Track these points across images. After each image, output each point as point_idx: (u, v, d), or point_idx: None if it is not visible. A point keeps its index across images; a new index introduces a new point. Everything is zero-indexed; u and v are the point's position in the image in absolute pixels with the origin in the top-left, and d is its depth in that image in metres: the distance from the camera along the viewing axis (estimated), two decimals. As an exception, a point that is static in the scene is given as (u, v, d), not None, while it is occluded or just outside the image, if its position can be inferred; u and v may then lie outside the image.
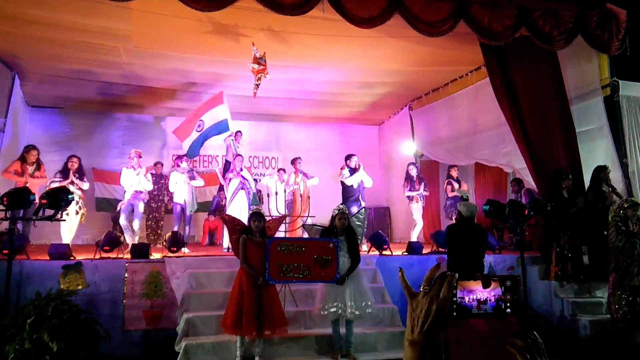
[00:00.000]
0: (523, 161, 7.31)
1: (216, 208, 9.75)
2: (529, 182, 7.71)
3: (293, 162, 8.99)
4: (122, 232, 7.65)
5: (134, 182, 7.68)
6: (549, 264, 6.70)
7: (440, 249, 7.60)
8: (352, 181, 8.40)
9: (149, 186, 8.05)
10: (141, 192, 7.82)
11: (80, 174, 7.41)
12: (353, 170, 8.53)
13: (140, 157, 7.91)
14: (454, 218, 8.88)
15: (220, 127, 8.44)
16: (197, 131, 8.47)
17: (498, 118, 7.68)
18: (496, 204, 6.27)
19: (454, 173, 9.18)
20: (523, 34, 6.69)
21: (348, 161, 8.58)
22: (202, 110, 8.66)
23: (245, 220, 5.58)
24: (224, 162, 9.68)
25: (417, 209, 8.83)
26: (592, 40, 6.89)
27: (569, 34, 6.79)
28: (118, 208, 7.76)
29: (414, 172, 8.91)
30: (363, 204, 8.28)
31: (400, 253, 7.42)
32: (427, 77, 9.30)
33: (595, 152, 7.40)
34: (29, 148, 7.45)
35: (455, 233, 5.68)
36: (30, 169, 7.19)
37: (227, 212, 7.24)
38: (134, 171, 7.74)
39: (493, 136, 8.38)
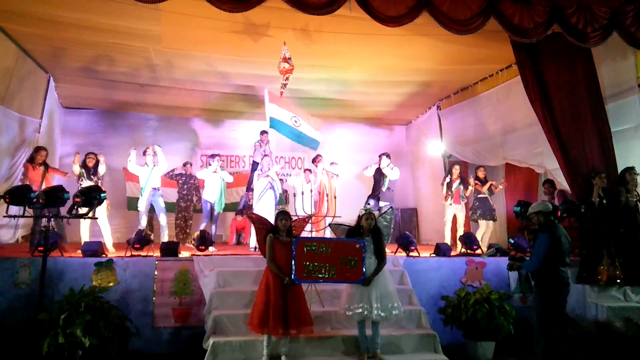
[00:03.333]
0: (556, 162, 7.12)
1: (244, 207, 9.84)
2: (561, 183, 7.52)
3: (314, 160, 8.98)
4: (151, 231, 7.77)
5: (138, 173, 7.85)
6: (592, 268, 6.47)
7: (469, 251, 7.50)
8: (366, 173, 8.85)
9: (162, 169, 8.05)
10: (157, 188, 7.91)
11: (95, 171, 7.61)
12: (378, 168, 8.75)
13: (154, 154, 7.97)
14: (479, 221, 8.74)
15: (310, 142, 8.61)
16: (294, 124, 8.38)
17: (529, 117, 7.50)
18: (527, 205, 6.09)
19: (481, 174, 9.00)
20: (555, 31, 6.53)
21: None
22: (294, 109, 8.53)
23: (271, 220, 5.60)
24: (252, 162, 9.76)
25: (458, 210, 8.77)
26: (628, 37, 6.66)
27: (604, 31, 6.58)
28: (140, 208, 7.86)
29: (455, 171, 8.85)
30: (383, 204, 8.29)
31: (428, 255, 7.34)
32: (456, 75, 9.16)
33: (632, 153, 7.15)
34: (38, 149, 7.71)
35: (556, 236, 4.94)
36: (40, 169, 7.44)
37: (254, 212, 7.29)
38: (147, 168, 7.86)
39: (524, 136, 8.18)
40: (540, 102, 6.96)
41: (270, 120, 7.97)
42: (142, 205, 7.77)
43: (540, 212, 5.13)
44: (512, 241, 7.07)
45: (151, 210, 8.11)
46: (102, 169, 7.62)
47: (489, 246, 7.63)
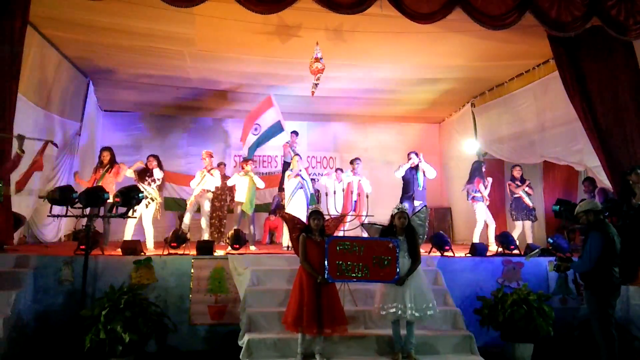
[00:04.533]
0: (596, 159, 6.90)
1: (277, 207, 9.93)
2: (602, 180, 7.27)
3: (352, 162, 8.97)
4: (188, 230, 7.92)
5: (198, 180, 7.96)
6: (632, 268, 6.24)
7: (506, 252, 7.35)
8: (398, 174, 8.53)
9: (216, 182, 8.20)
10: (208, 190, 8.07)
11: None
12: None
13: (211, 157, 8.24)
14: (515, 222, 8.54)
15: (274, 130, 9.06)
16: (253, 134, 9.16)
17: (568, 114, 7.29)
18: (567, 203, 5.95)
19: (517, 173, 8.81)
20: (595, 24, 6.33)
21: None
22: (255, 114, 9.30)
23: (304, 219, 5.63)
24: (283, 163, 9.85)
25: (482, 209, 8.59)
26: (672, 28, 6.39)
27: (646, 23, 6.34)
28: (188, 206, 8.06)
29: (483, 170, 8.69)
30: (417, 203, 8.18)
31: (463, 255, 7.22)
32: (491, 72, 8.98)
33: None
34: (101, 150, 7.96)
35: (609, 235, 4.76)
36: (102, 170, 7.65)
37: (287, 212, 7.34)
38: (203, 171, 8.05)
39: (563, 133, 7.95)
40: (580, 98, 6.77)
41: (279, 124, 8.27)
42: (189, 204, 7.94)
43: (590, 211, 4.92)
44: (551, 241, 6.89)
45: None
46: (157, 173, 7.71)
47: (528, 247, 7.42)
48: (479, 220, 8.56)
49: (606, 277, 4.74)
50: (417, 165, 8.47)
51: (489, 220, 8.56)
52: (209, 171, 8.04)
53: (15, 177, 6.28)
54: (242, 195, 8.14)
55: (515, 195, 8.69)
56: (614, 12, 6.28)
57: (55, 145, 7.03)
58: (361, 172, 8.67)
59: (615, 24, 6.29)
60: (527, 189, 8.68)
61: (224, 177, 10.03)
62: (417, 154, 8.55)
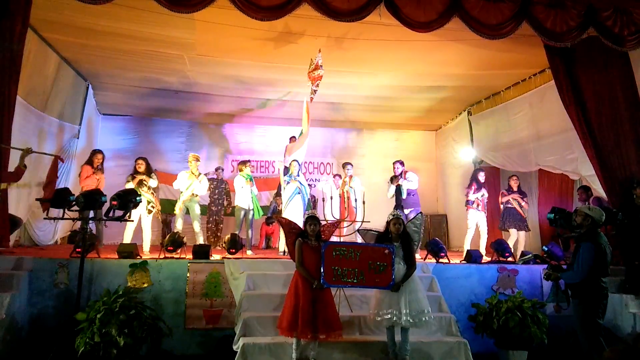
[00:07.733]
0: (591, 168, 6.95)
1: (273, 212, 9.95)
2: (597, 189, 7.33)
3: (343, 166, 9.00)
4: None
5: (185, 186, 7.86)
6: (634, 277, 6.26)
7: (501, 259, 7.37)
8: (389, 195, 8.71)
9: (202, 191, 8.09)
10: (196, 195, 8.00)
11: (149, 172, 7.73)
12: (393, 178, 8.70)
13: (197, 160, 8.07)
14: (509, 230, 8.54)
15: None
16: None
17: (564, 123, 7.35)
18: (562, 212, 5.95)
19: (513, 183, 8.77)
20: (591, 35, 6.40)
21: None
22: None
23: (300, 224, 5.64)
24: (284, 168, 9.86)
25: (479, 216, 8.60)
26: (667, 39, 6.47)
27: (641, 34, 6.41)
28: (176, 211, 8.01)
29: (482, 177, 8.68)
30: (407, 211, 8.22)
31: (458, 261, 7.25)
32: (487, 80, 9.05)
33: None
34: (95, 152, 8.01)
35: (601, 246, 4.74)
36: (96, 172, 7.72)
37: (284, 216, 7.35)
38: (192, 176, 7.95)
39: (558, 142, 8.01)
40: (575, 107, 6.83)
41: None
42: (178, 209, 7.90)
43: (592, 219, 4.84)
44: (546, 249, 6.92)
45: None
46: (153, 182, 7.68)
47: (522, 254, 7.47)
48: (469, 226, 8.59)
49: (595, 287, 4.73)
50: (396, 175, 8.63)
51: (481, 229, 8.54)
52: (197, 176, 7.90)
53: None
54: (243, 199, 8.11)
55: (508, 205, 8.68)
56: (609, 23, 6.36)
57: (62, 160, 7.02)
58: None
59: (611, 35, 6.37)
60: (523, 203, 8.63)
61: (221, 182, 10.06)
62: (402, 164, 8.63)
